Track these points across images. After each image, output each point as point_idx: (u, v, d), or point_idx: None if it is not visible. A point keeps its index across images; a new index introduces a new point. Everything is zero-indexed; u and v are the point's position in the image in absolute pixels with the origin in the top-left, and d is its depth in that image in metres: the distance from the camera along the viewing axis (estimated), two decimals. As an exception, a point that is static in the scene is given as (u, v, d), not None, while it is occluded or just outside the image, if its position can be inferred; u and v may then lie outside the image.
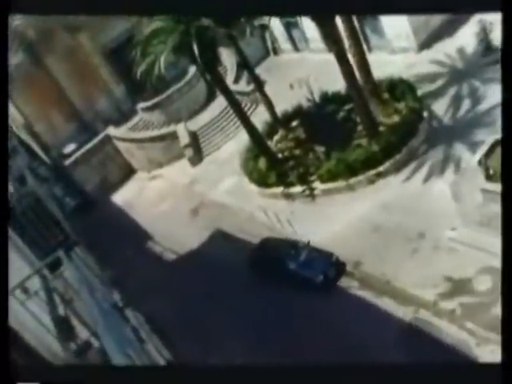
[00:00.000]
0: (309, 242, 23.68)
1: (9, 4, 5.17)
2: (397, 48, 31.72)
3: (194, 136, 35.22)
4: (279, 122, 30.67)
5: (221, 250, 26.24)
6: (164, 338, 22.38)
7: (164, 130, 37.07)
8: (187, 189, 31.81)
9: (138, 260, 28.72)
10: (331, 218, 24.50)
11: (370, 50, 31.95)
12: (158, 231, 30.36)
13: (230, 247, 26.27)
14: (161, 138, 36.47)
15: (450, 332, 18.13)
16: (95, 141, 38.13)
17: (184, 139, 34.90)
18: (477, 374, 5.35)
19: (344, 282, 22.16)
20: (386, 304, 20.14)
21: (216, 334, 22.44)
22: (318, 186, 26.67)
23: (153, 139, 36.66)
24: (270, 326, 21.76)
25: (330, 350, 19.18)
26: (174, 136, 35.83)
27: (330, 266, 22.76)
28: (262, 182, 28.39)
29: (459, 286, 19.10)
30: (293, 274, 23.04)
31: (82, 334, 11.22)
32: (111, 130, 38.45)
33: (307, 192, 26.91)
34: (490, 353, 16.80)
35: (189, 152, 34.63)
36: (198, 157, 34.80)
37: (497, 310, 17.69)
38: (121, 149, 38.62)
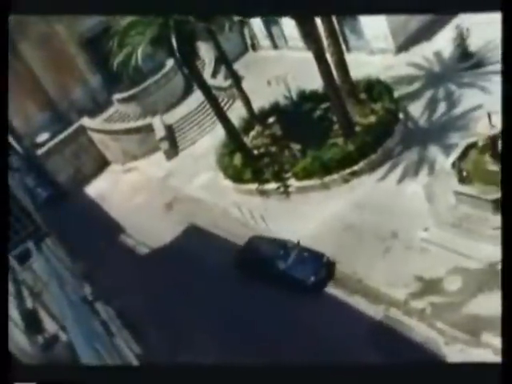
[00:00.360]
0: (298, 242, 23.04)
1: (9, 4, 5.19)
2: (375, 49, 31.94)
3: (169, 129, 34.98)
4: (256, 119, 30.63)
5: (194, 245, 26.09)
6: (135, 332, 22.20)
7: (140, 123, 36.71)
8: (162, 183, 31.57)
9: (110, 253, 28.41)
10: (305, 216, 24.57)
11: (348, 49, 32.12)
12: (131, 225, 30.08)
13: (204, 242, 26.15)
14: (136, 130, 36.10)
15: (420, 331, 18.32)
16: (69, 131, 37.54)
17: (160, 132, 34.63)
18: (477, 374, 5.39)
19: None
20: (358, 302, 20.25)
21: (187, 330, 22.33)
22: (293, 183, 26.72)
23: (128, 131, 36.28)
24: (242, 323, 21.72)
25: (302, 347, 19.26)
26: (149, 129, 35.52)
27: (321, 267, 22.10)
28: (237, 177, 28.33)
29: (430, 286, 19.31)
30: (282, 275, 22.35)
31: (50, 327, 11.03)
32: (86, 121, 37.91)
33: (282, 189, 26.93)
34: (458, 352, 17.07)
35: (164, 145, 34.38)
36: (173, 150, 34.57)
37: (466, 310, 18.00)
38: (95, 140, 38.12)
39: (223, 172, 29.26)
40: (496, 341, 16.74)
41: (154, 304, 24.19)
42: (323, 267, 22.10)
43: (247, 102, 30.16)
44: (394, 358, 17.61)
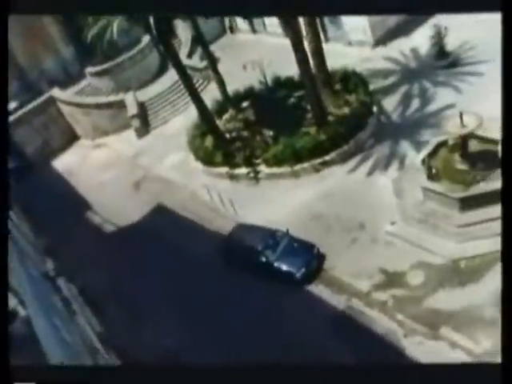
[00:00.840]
0: (287, 231, 22.17)
1: (9, 4, 5.20)
2: (353, 41, 32.02)
3: (142, 107, 34.51)
4: (229, 102, 30.44)
5: (161, 226, 25.90)
6: (96, 310, 22.11)
7: (112, 98, 36.10)
8: (131, 161, 31.20)
9: (76, 230, 28.00)
10: (273, 203, 24.62)
11: (326, 39, 32.13)
12: (98, 201, 29.67)
13: (171, 223, 25.98)
14: (108, 105, 35.51)
15: (381, 322, 18.62)
16: (39, 101, 36.71)
17: (132, 109, 34.14)
18: (477, 374, 5.45)
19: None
20: (321, 291, 20.43)
21: (150, 310, 22.26)
22: (263, 169, 26.71)
23: (99, 106, 35.64)
24: (205, 304, 21.72)
25: (265, 334, 19.40)
26: (121, 105, 34.97)
27: (312, 259, 21.13)
28: (207, 160, 28.17)
29: (393, 279, 19.61)
30: (269, 266, 21.39)
31: (9, 302, 10.85)
32: (56, 92, 37.08)
33: (252, 175, 26.90)
34: (417, 344, 17.44)
35: (136, 123, 33.92)
36: (144, 129, 34.15)
37: (427, 304, 18.37)
38: (65, 113, 37.34)
39: (194, 154, 29.05)
40: (453, 335, 17.22)
41: (118, 283, 24.01)
42: (314, 259, 21.17)
43: (222, 85, 29.94)
44: (354, 348, 17.95)
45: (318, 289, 20.63)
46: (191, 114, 30.11)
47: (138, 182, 29.79)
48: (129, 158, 31.33)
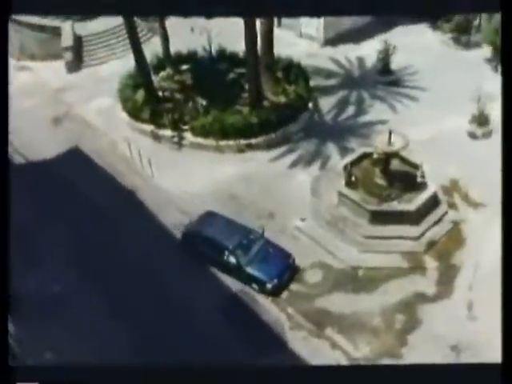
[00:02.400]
0: (263, 233, 20.60)
1: (9, 4, 5.23)
2: (304, 34, 32.20)
3: (78, 41, 32.60)
4: (170, 61, 29.63)
5: (72, 169, 24.73)
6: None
7: (47, 22, 33.63)
8: (55, 94, 29.49)
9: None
10: (192, 173, 24.40)
11: (279, 25, 32.05)
12: (12, 128, 27.68)
13: (83, 169, 25.00)
14: (41, 28, 33.14)
15: (270, 312, 19.09)
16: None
17: (67, 40, 32.18)
18: (477, 374, 5.60)
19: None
20: (217, 272, 20.49)
21: (44, 255, 21.33)
22: (189, 137, 26.38)
23: (32, 26, 33.08)
24: (100, 256, 21.27)
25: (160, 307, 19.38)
26: (56, 32, 32.77)
27: (286, 270, 19.65)
28: (134, 114, 27.35)
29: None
30: (238, 269, 19.72)
31: None
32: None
33: (176, 139, 26.50)
34: (300, 339, 18.11)
35: (68, 56, 32.02)
36: (76, 64, 32.31)
37: (319, 303, 19.08)
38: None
39: (122, 103, 28.07)
40: (336, 336, 18.04)
41: (16, 220, 22.68)
42: (288, 270, 19.67)
43: (165, 41, 29.07)
44: (239, 332, 18.30)
45: (214, 269, 20.63)
46: (128, 62, 28.95)
47: (58, 117, 28.21)
48: (53, 91, 29.60)
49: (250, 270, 19.64)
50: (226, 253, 19.90)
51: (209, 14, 5.98)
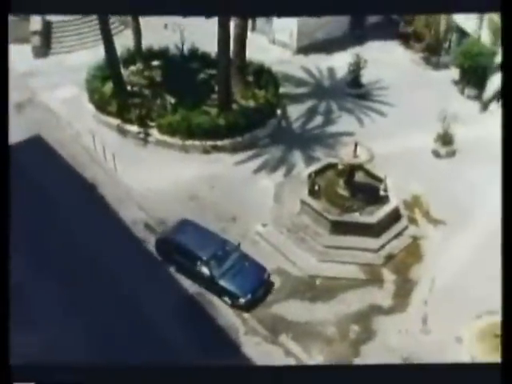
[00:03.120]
0: (239, 245, 20.21)
1: (9, 4, 5.21)
2: (277, 40, 32.28)
3: (47, 26, 31.82)
4: (140, 55, 29.31)
5: (32, 158, 24.02)
6: None
7: (15, 6, 33.03)
8: (20, 78, 28.64)
9: None
10: (155, 171, 24.12)
11: (253, 29, 32.10)
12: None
13: (43, 158, 24.39)
14: (9, 10, 32.43)
15: (226, 316, 18.97)
16: None
17: (35, 24, 31.39)
18: (477, 374, 5.55)
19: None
20: (175, 273, 20.26)
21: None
22: (155, 134, 26.10)
23: (-1, 9, 32.43)
24: (54, 246, 20.80)
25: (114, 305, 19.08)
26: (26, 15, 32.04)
27: (261, 285, 19.19)
28: (101, 106, 26.89)
29: (250, 278, 20.04)
30: (211, 281, 19.12)
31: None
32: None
33: (142, 135, 26.18)
34: (254, 344, 18.05)
35: (36, 41, 31.21)
36: (43, 50, 31.51)
37: (275, 309, 19.05)
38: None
39: (89, 94, 27.55)
40: (290, 343, 18.05)
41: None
42: (262, 286, 19.23)
43: (137, 35, 28.75)
44: (192, 334, 18.12)
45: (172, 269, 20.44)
46: (98, 53, 28.44)
47: (21, 103, 27.43)
48: (18, 75, 28.72)
49: (223, 282, 19.10)
50: (199, 263, 19.34)
51: (184, 13, 5.91)
